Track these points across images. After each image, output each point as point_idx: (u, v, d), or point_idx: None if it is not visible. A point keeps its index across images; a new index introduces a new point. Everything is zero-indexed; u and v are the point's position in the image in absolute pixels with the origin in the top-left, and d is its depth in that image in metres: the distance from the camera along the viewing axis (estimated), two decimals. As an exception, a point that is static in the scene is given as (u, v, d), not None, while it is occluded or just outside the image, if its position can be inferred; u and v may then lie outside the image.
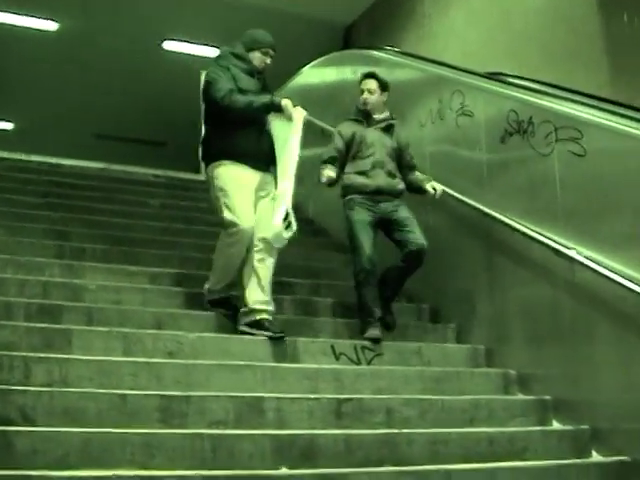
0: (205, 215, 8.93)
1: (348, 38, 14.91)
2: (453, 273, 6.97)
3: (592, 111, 5.93)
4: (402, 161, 6.92)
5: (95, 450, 4.19)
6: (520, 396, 6.13)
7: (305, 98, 10.40)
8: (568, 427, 5.66)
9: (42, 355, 5.01)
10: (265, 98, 6.23)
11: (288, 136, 6.15)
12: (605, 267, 5.43)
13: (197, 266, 7.18)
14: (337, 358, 6.03)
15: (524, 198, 6.39)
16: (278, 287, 6.65)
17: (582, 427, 5.57)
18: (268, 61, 6.49)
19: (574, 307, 5.80)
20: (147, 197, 9.67)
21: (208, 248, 7.87)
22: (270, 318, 6.05)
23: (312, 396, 5.24)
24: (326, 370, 5.71)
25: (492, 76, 7.35)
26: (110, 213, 8.61)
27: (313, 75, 11.07)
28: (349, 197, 6.74)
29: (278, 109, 6.18)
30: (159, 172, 11.48)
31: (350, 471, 4.52)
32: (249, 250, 6.13)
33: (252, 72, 6.41)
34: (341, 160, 6.86)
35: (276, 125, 6.29)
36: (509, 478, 4.85)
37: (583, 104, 6.08)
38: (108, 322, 5.78)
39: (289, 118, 6.14)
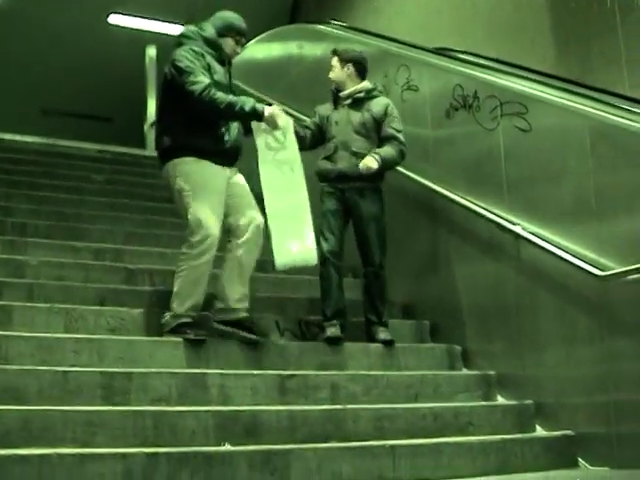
0: (150, 190, 8.87)
1: (295, 13, 14.84)
2: (400, 249, 6.94)
3: (537, 86, 5.95)
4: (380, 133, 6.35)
5: (36, 428, 4.12)
6: (465, 371, 6.16)
7: (250, 73, 10.38)
8: (512, 402, 5.70)
9: (-19, 332, 4.92)
10: (248, 103, 5.57)
11: (277, 146, 5.74)
12: (550, 242, 5.44)
13: (141, 241, 7.10)
14: (282, 334, 5.99)
15: (469, 173, 6.39)
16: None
17: (526, 402, 5.61)
18: (239, 50, 5.95)
19: (519, 283, 5.81)
20: (92, 172, 9.55)
21: (153, 223, 7.84)
22: (250, 317, 5.69)
23: (256, 372, 5.21)
24: (269, 345, 5.68)
25: (438, 51, 7.33)
26: (53, 189, 8.50)
27: (258, 50, 10.96)
28: (321, 185, 6.35)
29: (260, 118, 5.63)
30: (104, 147, 11.29)
31: (294, 447, 4.48)
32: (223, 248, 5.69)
33: (223, 61, 5.82)
34: (313, 139, 6.46)
35: (259, 134, 5.75)
36: (454, 453, 4.85)
37: (528, 79, 6.11)
38: (50, 298, 5.69)
39: (274, 127, 5.68)
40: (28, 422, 4.13)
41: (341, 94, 6.45)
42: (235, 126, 5.75)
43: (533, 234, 5.59)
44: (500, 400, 5.88)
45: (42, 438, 4.10)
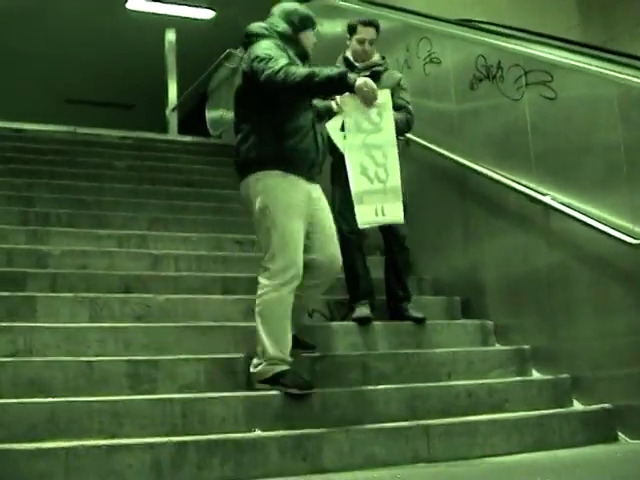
0: (173, 175, 8.80)
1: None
2: (427, 224, 6.83)
3: (562, 53, 5.82)
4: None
5: (62, 421, 4.07)
6: (498, 347, 6.05)
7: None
8: (548, 377, 5.58)
9: (5, 324, 4.87)
10: (334, 69, 4.77)
11: (370, 128, 4.87)
12: (580, 212, 5.32)
13: (165, 226, 7.03)
14: (310, 315, 5.89)
15: (496, 146, 6.27)
16: (248, 245, 6.54)
17: (562, 376, 5.49)
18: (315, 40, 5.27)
19: (550, 255, 5.69)
20: (113, 159, 9.49)
21: (177, 208, 7.76)
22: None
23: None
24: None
25: (460, 22, 7.20)
26: (75, 177, 8.45)
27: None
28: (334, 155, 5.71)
29: (351, 88, 4.70)
30: (125, 134, 11.22)
31: (326, 431, 4.40)
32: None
33: (303, 56, 5.09)
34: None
35: (347, 112, 4.90)
36: (489, 431, 4.75)
37: (553, 46, 5.96)
38: (74, 288, 5.65)
39: (368, 102, 4.73)
40: (54, 414, 4.07)
41: (360, 65, 6.06)
42: (323, 135, 5.05)
43: (563, 204, 5.46)
44: (535, 375, 5.77)
45: (68, 430, 4.05)
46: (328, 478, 4.10)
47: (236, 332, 5.32)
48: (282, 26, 5.03)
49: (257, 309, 4.76)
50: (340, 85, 4.67)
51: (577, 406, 5.40)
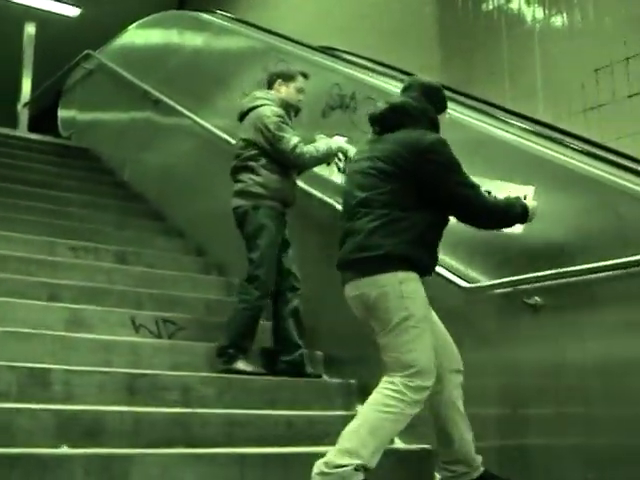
0: (13, 172, 8.52)
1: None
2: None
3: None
4: None
5: None
6: (325, 378, 5.97)
7: (129, 58, 10.10)
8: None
9: None
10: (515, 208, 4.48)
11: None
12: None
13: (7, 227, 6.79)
14: (137, 330, 5.74)
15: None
16: (82, 252, 6.33)
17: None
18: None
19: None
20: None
21: (8, 206, 7.49)
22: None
23: (104, 369, 4.96)
24: (122, 342, 5.42)
25: (321, 49, 7.18)
26: None
27: (140, 34, 10.65)
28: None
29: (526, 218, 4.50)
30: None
31: (136, 452, 4.21)
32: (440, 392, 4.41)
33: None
34: None
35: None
36: (306, 463, 4.65)
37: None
38: None
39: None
40: None
41: (293, 112, 6.13)
42: None
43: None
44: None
45: None
46: (131, 502, 3.94)
47: (55, 341, 5.12)
48: None
49: (378, 407, 4.14)
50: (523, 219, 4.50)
51: (398, 444, 5.36)
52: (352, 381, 5.79)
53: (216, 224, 7.72)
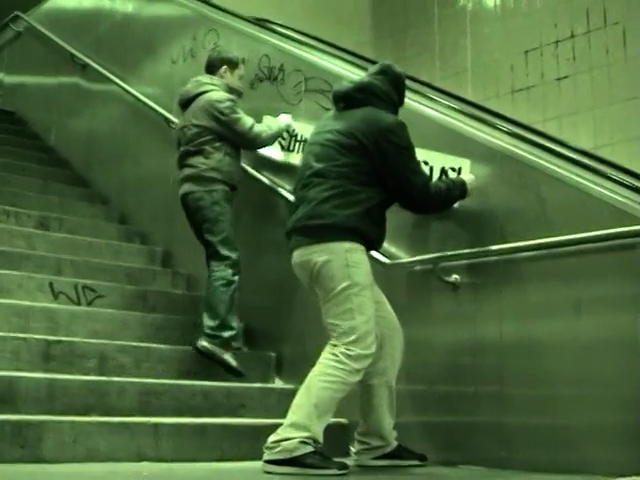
0: None
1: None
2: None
3: (346, 65, 5.81)
4: None
5: None
6: (245, 350, 5.95)
7: (59, 22, 9.93)
8: (289, 386, 5.49)
9: None
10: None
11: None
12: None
13: None
14: (55, 297, 5.67)
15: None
16: (3, 216, 6.25)
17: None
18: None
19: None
20: None
21: None
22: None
23: (20, 335, 4.88)
24: (39, 308, 5.34)
25: (254, 20, 7.11)
26: None
27: (69, -1, 10.50)
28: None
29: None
30: None
31: (49, 419, 4.18)
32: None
33: None
34: None
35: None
36: (221, 435, 4.65)
37: (338, 57, 5.95)
38: None
39: None
40: None
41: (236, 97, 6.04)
42: None
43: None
44: (278, 383, 5.72)
45: None
46: (42, 468, 3.88)
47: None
48: None
49: (319, 378, 4.15)
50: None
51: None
52: (271, 354, 5.80)
53: (140, 192, 7.67)
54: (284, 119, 5.90)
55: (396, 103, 4.63)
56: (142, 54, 8.03)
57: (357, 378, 4.20)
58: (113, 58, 8.43)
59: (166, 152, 6.80)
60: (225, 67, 5.97)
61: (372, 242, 4.40)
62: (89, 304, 5.80)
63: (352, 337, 4.14)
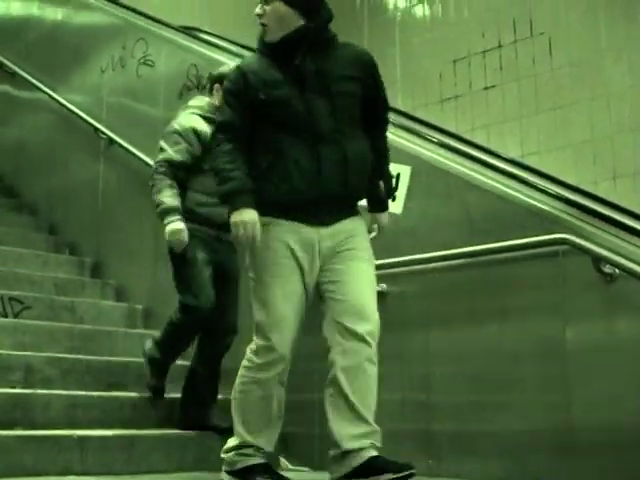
0: None
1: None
2: (120, 227, 6.66)
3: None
4: None
5: None
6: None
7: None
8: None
9: None
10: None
11: None
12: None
13: None
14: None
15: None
16: None
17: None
18: None
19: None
20: None
21: None
22: (377, 453, 3.63)
23: (-58, 348, 4.83)
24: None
25: (183, 29, 7.09)
26: None
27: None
28: None
29: None
30: None
31: (-28, 434, 4.14)
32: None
33: None
34: None
35: None
36: (150, 446, 4.63)
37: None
38: None
39: None
40: None
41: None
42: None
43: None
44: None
45: None
46: (-36, 485, 3.85)
47: None
48: None
49: (234, 391, 3.90)
50: None
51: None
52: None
53: (69, 202, 7.60)
54: (174, 228, 4.81)
55: None
56: (72, 63, 7.97)
57: (270, 373, 3.74)
58: (42, 66, 8.36)
59: (95, 162, 6.77)
60: (218, 85, 5.06)
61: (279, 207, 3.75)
62: (16, 316, 5.74)
63: (254, 329, 3.81)
